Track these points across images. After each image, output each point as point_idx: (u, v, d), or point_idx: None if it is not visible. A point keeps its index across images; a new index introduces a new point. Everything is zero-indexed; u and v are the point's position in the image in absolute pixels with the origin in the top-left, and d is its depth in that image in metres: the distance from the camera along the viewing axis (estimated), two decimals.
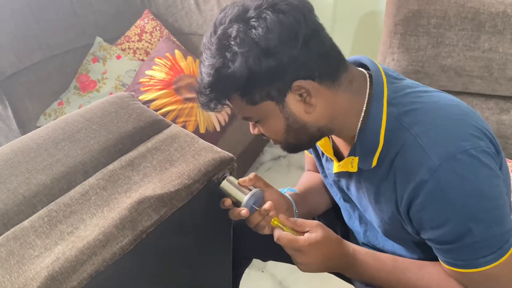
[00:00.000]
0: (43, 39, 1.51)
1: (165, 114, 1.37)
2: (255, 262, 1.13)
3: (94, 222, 0.69)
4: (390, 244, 0.84)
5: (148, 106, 1.38)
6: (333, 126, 0.72)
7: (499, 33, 1.19)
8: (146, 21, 1.65)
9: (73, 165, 0.77)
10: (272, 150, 2.11)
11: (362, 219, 0.87)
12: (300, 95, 0.67)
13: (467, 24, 1.21)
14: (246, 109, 0.70)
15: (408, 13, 1.24)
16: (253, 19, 0.63)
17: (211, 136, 1.45)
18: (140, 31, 1.63)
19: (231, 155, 0.83)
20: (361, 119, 0.71)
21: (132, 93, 0.95)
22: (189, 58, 1.54)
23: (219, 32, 0.64)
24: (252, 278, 1.50)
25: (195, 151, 0.83)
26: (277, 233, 0.74)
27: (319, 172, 1.03)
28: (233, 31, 0.63)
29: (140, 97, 1.39)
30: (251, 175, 0.82)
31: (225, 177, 0.81)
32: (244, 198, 0.76)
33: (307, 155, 1.03)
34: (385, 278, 0.75)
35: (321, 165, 0.93)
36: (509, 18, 1.18)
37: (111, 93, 1.52)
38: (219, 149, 0.84)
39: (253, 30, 0.62)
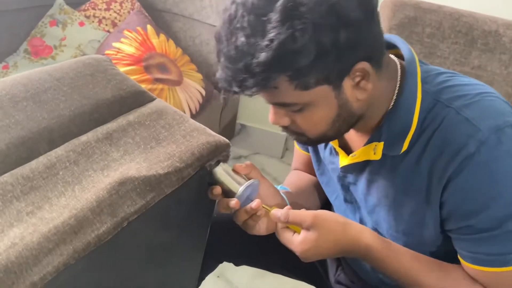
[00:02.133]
0: None
1: None
2: None
3: (62, 202, 0.55)
4: None
5: None
6: (367, 113, 0.65)
7: (490, 51, 1.19)
8: None
9: (36, 130, 0.62)
10: (234, 150, 2.01)
11: (362, 222, 0.79)
12: (355, 79, 0.60)
13: (460, 38, 1.19)
14: (291, 94, 0.59)
15: (404, 19, 1.21)
16: None
17: None
18: None
19: (227, 140, 0.72)
20: (392, 102, 0.65)
21: (110, 58, 0.81)
22: (162, 36, 1.40)
23: (280, 2, 0.53)
24: (206, 283, 1.38)
25: (186, 131, 0.71)
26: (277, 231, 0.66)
27: (307, 171, 0.96)
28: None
29: None
30: (247, 162, 0.72)
31: (219, 163, 0.70)
32: (240, 188, 0.66)
33: (298, 152, 0.95)
34: (406, 270, 0.68)
35: (318, 160, 0.85)
36: (500, 38, 1.18)
37: None
38: (213, 132, 0.73)
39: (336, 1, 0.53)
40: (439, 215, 0.64)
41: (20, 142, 0.60)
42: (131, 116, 0.71)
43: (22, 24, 1.37)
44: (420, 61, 0.68)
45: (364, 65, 0.58)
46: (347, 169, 0.74)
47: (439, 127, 0.61)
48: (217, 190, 0.67)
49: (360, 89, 0.61)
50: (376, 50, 0.60)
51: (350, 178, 0.75)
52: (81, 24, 1.38)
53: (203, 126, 0.73)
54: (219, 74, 0.60)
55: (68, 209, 0.54)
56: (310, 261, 0.66)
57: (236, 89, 0.58)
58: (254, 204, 0.66)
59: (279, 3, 0.52)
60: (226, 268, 1.08)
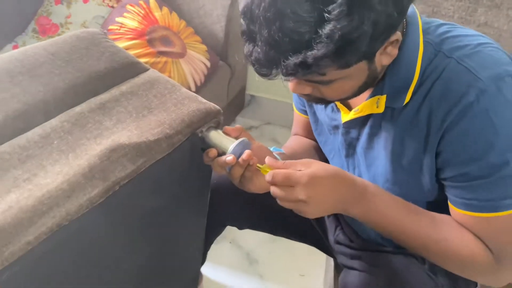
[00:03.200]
0: None
1: None
2: (223, 232, 1.05)
3: (56, 169, 0.58)
4: None
5: None
6: None
7: (496, 7, 1.15)
8: None
9: (33, 102, 0.65)
10: (244, 120, 2.02)
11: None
12: (385, 47, 0.60)
13: None
14: (331, 73, 0.58)
15: None
16: None
17: None
18: None
19: (218, 107, 0.74)
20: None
21: (105, 31, 0.83)
22: (165, 9, 1.41)
23: None
24: (218, 249, 1.43)
25: (177, 99, 0.73)
26: (270, 172, 0.63)
27: (307, 136, 0.97)
28: None
29: None
30: (237, 126, 0.73)
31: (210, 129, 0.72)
32: (231, 145, 0.68)
33: (298, 116, 0.96)
34: (398, 216, 0.68)
35: (316, 121, 0.86)
36: None
37: None
38: (204, 100, 0.74)
39: None
40: (435, 163, 0.66)
41: (17, 114, 0.63)
42: (124, 87, 0.73)
43: (29, 4, 1.40)
44: (419, 14, 0.68)
45: (397, 35, 0.59)
46: (349, 124, 0.75)
47: (439, 77, 0.62)
48: (213, 152, 0.69)
49: (386, 54, 0.61)
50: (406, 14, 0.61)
51: (353, 133, 0.76)
52: (85, 1, 1.40)
53: (194, 95, 0.75)
54: (255, 55, 0.57)
55: (62, 175, 0.57)
56: (313, 201, 0.62)
57: (279, 72, 0.57)
58: (244, 155, 0.66)
59: None
60: (238, 234, 1.12)
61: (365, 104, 0.70)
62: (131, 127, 0.66)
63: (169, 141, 0.65)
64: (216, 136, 0.71)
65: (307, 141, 0.96)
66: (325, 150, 0.88)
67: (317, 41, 0.52)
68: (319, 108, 0.84)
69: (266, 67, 0.57)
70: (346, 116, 0.75)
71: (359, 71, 0.60)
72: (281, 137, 1.95)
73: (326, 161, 0.90)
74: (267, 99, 1.97)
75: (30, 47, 0.75)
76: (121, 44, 1.26)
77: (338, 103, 0.76)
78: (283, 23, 0.52)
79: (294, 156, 0.88)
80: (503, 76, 0.60)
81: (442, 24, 0.67)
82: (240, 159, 0.67)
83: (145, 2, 1.37)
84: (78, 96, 0.69)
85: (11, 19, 1.38)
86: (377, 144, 0.72)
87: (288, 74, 0.56)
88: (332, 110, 0.79)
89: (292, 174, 0.62)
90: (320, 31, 0.51)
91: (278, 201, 0.64)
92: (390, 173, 0.72)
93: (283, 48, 0.54)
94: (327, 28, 0.51)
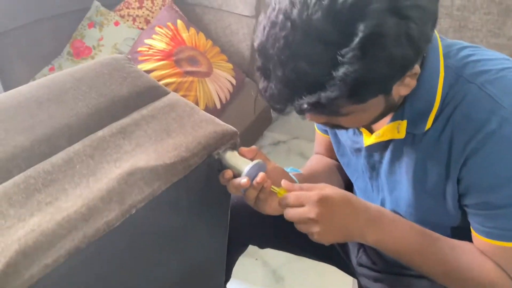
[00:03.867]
0: None
1: None
2: (249, 249, 1.06)
3: (77, 193, 0.61)
4: None
5: None
6: None
7: None
8: None
9: (58, 128, 0.69)
10: (273, 135, 2.03)
11: (383, 204, 0.80)
12: (403, 80, 0.59)
13: (493, 7, 1.12)
14: (346, 108, 0.58)
15: None
16: (408, 9, 0.50)
17: (210, 113, 1.36)
18: None
19: (234, 129, 0.75)
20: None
21: (129, 56, 0.86)
22: (192, 30, 1.45)
23: (362, 31, 0.49)
24: (244, 266, 1.43)
25: (195, 122, 0.74)
26: (282, 197, 0.65)
27: (328, 155, 0.96)
28: (388, 29, 0.50)
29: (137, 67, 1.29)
30: (252, 147, 0.75)
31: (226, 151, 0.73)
32: (246, 167, 0.68)
33: (320, 135, 0.96)
34: (416, 243, 0.67)
35: (337, 142, 0.85)
36: None
37: None
38: (221, 122, 0.76)
39: (411, 25, 0.51)
40: (457, 190, 0.64)
41: (43, 139, 0.67)
42: (145, 111, 0.76)
43: (65, 27, 1.48)
44: (440, 37, 0.67)
45: (415, 69, 0.58)
46: (371, 148, 0.74)
47: (460, 103, 0.61)
48: (228, 173, 0.70)
49: (404, 85, 0.60)
50: (426, 51, 0.60)
51: (376, 156, 0.76)
52: (116, 23, 1.46)
53: (212, 117, 0.77)
54: (269, 92, 0.58)
55: (81, 199, 0.59)
56: (324, 224, 0.63)
57: (293, 110, 0.58)
58: (258, 178, 0.67)
59: (358, 38, 0.49)
60: (264, 251, 1.12)
61: (386, 129, 0.69)
62: (149, 151, 0.68)
63: (185, 163, 0.67)
64: (232, 158, 0.72)
65: (329, 161, 0.95)
66: (348, 172, 0.88)
67: (331, 83, 0.52)
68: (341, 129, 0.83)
69: (280, 104, 0.58)
70: (368, 139, 0.74)
71: (375, 104, 0.60)
72: (309, 152, 1.95)
73: (349, 182, 0.89)
74: (295, 113, 1.97)
75: (58, 74, 0.79)
76: (150, 65, 1.30)
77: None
78: (297, 65, 0.53)
79: (314, 176, 0.88)
80: None
81: (464, 47, 0.65)
82: (254, 182, 0.67)
83: (173, 24, 1.41)
84: (101, 120, 0.72)
85: (49, 42, 1.46)
86: (399, 169, 0.71)
87: (302, 112, 0.57)
88: (354, 132, 0.79)
89: (303, 194, 0.63)
90: (333, 73, 0.52)
91: (295, 225, 0.64)
92: (413, 198, 0.71)
93: (297, 88, 0.55)
94: (341, 71, 0.51)
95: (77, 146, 0.68)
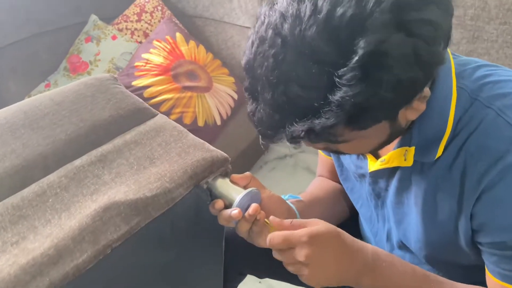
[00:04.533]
0: (32, 13, 1.37)
1: (160, 103, 1.23)
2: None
3: (47, 231, 0.55)
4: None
5: (142, 93, 1.24)
6: None
7: None
8: (147, 0, 1.50)
9: (31, 157, 0.64)
10: (279, 149, 1.97)
11: (390, 235, 0.73)
12: (411, 103, 0.52)
13: (509, 17, 1.05)
14: (345, 135, 0.51)
15: None
16: (415, 24, 0.44)
17: (210, 130, 1.30)
18: (140, 10, 1.48)
19: (225, 155, 0.69)
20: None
21: (115, 76, 0.81)
22: (191, 43, 1.40)
23: (362, 48, 0.42)
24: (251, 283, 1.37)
25: (182, 148, 0.69)
26: (269, 236, 0.58)
27: (331, 178, 0.90)
28: (393, 47, 0.43)
29: (133, 83, 1.25)
30: (246, 173, 0.68)
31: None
32: (238, 196, 0.62)
33: (323, 157, 0.89)
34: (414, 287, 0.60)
35: (340, 165, 0.79)
36: None
37: None
38: (211, 147, 0.70)
39: (420, 43, 0.44)
40: (470, 226, 0.57)
41: (14, 171, 0.62)
42: (128, 136, 0.70)
43: (61, 42, 1.44)
44: (452, 53, 0.60)
45: (425, 92, 0.51)
46: (376, 174, 0.68)
47: (476, 130, 0.54)
48: (219, 203, 0.64)
49: (412, 109, 0.52)
50: (437, 72, 0.54)
51: (382, 183, 0.69)
52: (114, 37, 1.42)
53: (201, 142, 0.71)
54: (258, 116, 0.51)
55: (51, 239, 0.54)
56: (314, 268, 0.57)
57: (283, 137, 0.51)
58: (250, 210, 0.61)
59: (358, 57, 0.42)
60: None
61: (392, 155, 0.62)
62: (129, 182, 0.62)
63: (168, 196, 0.61)
64: (223, 186, 0.66)
65: (332, 185, 0.88)
66: (352, 198, 0.81)
67: (326, 108, 0.45)
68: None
69: (270, 130, 0.51)
70: (373, 164, 0.67)
71: (379, 130, 0.52)
72: (315, 166, 1.86)
73: (353, 208, 0.82)
74: None
75: (38, 97, 0.74)
76: (146, 81, 1.26)
77: None
78: (288, 87, 0.46)
79: (315, 202, 0.82)
80: None
81: (480, 66, 0.58)
82: (246, 214, 0.61)
83: (171, 37, 1.37)
84: (80, 148, 0.67)
85: (45, 58, 1.43)
86: (407, 199, 0.65)
87: (293, 141, 0.50)
88: (358, 157, 0.72)
89: (291, 234, 0.56)
90: (330, 97, 0.45)
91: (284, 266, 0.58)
92: (422, 232, 0.64)
93: (287, 113, 0.48)
94: (338, 95, 0.44)
95: (51, 177, 0.63)
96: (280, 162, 1.91)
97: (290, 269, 0.58)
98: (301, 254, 0.55)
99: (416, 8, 0.43)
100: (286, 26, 0.45)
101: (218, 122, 1.33)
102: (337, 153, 0.61)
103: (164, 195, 0.61)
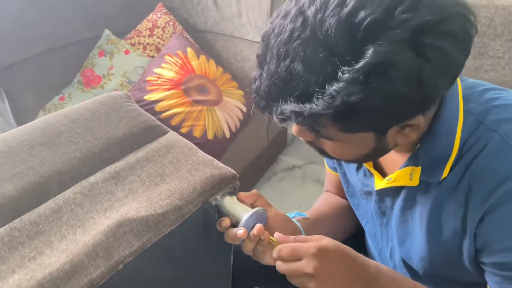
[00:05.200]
0: (47, 29, 1.42)
1: (171, 117, 1.26)
2: None
3: (62, 247, 0.58)
4: None
5: (154, 107, 1.27)
6: None
7: None
8: (159, 15, 1.54)
9: (48, 174, 0.66)
10: (287, 160, 1.98)
11: (393, 253, 0.74)
12: (403, 127, 0.54)
13: None
14: (331, 132, 0.53)
15: None
16: (428, 48, 0.45)
17: (219, 143, 1.33)
18: (152, 25, 1.52)
19: (233, 172, 0.71)
20: (431, 122, 0.59)
21: (129, 93, 0.83)
22: (202, 58, 1.43)
23: (372, 55, 0.44)
24: None
25: (192, 164, 0.71)
26: (277, 247, 0.60)
27: (338, 193, 0.91)
28: (401, 61, 0.44)
29: (145, 97, 1.28)
30: (253, 191, 0.70)
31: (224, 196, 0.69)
32: (244, 216, 0.64)
33: (329, 173, 0.91)
34: None
35: (347, 182, 0.80)
36: None
37: (116, 90, 1.41)
38: (220, 164, 0.72)
39: (426, 67, 0.45)
40: (474, 245, 0.59)
41: (32, 187, 0.64)
42: (140, 153, 0.73)
43: (75, 57, 1.48)
44: (460, 77, 0.62)
45: (418, 120, 0.52)
46: (382, 192, 0.69)
47: (481, 152, 0.55)
48: (226, 221, 0.66)
49: (403, 135, 0.55)
50: (437, 101, 0.55)
51: (388, 202, 0.70)
52: (127, 52, 1.45)
53: (211, 158, 0.73)
54: (257, 84, 0.53)
55: (66, 254, 0.56)
56: (320, 280, 0.58)
57: (274, 112, 0.53)
58: (255, 230, 0.63)
59: (365, 61, 0.44)
60: None
61: (398, 174, 0.64)
62: (141, 198, 0.65)
63: (178, 213, 0.63)
64: (230, 204, 0.68)
65: (338, 201, 0.90)
66: (358, 214, 0.82)
67: (319, 96, 0.47)
68: (350, 169, 0.78)
69: (265, 101, 0.53)
70: (379, 183, 0.69)
71: (364, 140, 0.55)
72: (324, 177, 1.88)
73: (359, 224, 0.84)
74: None
75: (54, 115, 0.77)
76: (158, 95, 1.28)
77: (371, 168, 0.71)
78: (292, 64, 0.48)
79: (321, 219, 0.83)
80: None
81: (487, 90, 0.59)
82: (250, 234, 0.63)
83: (182, 52, 1.40)
84: (94, 165, 0.70)
85: (59, 72, 1.46)
86: (412, 218, 0.66)
87: (281, 118, 0.52)
88: (365, 175, 0.73)
89: (300, 246, 0.58)
90: (326, 88, 0.46)
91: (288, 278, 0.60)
92: (426, 251, 0.65)
93: (284, 89, 0.49)
94: (334, 87, 0.46)
95: (67, 193, 0.65)
96: (289, 173, 1.93)
97: (295, 281, 0.59)
98: (309, 266, 0.57)
99: (436, 36, 0.45)
100: (312, 8, 0.47)
101: (227, 135, 1.35)
102: (323, 153, 0.63)
103: (174, 212, 0.63)
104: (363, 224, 0.81)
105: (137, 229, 0.60)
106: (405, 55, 0.44)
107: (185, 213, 0.64)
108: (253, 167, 1.73)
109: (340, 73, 0.45)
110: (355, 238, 0.88)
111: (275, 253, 0.59)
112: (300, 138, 0.62)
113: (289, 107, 0.49)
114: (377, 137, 0.54)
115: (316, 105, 0.47)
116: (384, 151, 0.59)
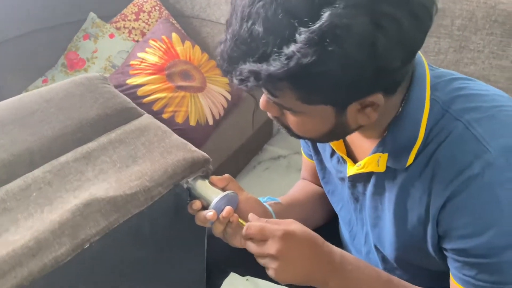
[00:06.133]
0: (32, 10, 1.40)
1: (153, 101, 1.26)
2: None
3: (28, 225, 0.58)
4: (393, 272, 0.72)
5: (136, 91, 1.26)
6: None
7: None
8: (145, 0, 1.53)
9: (18, 152, 0.66)
10: (272, 149, 1.99)
11: (367, 238, 0.75)
12: (363, 106, 0.54)
13: (496, 28, 1.07)
14: (290, 102, 0.54)
15: None
16: (384, 17, 0.46)
17: (202, 130, 1.33)
18: (138, 9, 1.51)
19: (206, 155, 0.71)
20: (399, 108, 0.59)
21: (106, 75, 0.83)
22: (187, 43, 1.42)
23: (328, 17, 0.44)
24: (234, 286, 1.39)
25: (164, 147, 0.71)
26: (246, 225, 0.61)
27: (314, 181, 0.92)
28: (354, 26, 0.45)
29: (128, 81, 1.27)
30: (225, 175, 0.71)
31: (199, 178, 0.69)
32: (214, 199, 0.65)
33: (306, 160, 0.91)
34: None
35: (323, 169, 0.81)
36: None
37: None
38: (193, 148, 0.72)
39: (380, 36, 0.46)
40: (436, 232, 0.60)
41: (1, 165, 0.64)
42: (113, 134, 0.73)
43: (60, 39, 1.47)
44: (429, 65, 0.62)
45: (377, 98, 0.53)
46: (354, 178, 0.70)
47: (444, 141, 0.56)
48: (196, 204, 0.66)
49: (364, 114, 0.56)
50: (399, 84, 0.55)
51: (360, 188, 0.71)
52: (111, 36, 1.44)
53: (185, 142, 0.73)
54: (222, 48, 0.53)
55: (31, 232, 0.56)
56: (284, 263, 0.59)
57: (234, 76, 0.52)
58: (224, 212, 0.64)
59: (321, 23, 0.45)
60: None
61: (367, 160, 0.65)
62: (111, 179, 0.65)
63: (147, 194, 0.63)
64: (202, 187, 0.68)
65: (313, 188, 0.91)
66: (333, 201, 0.83)
67: (276, 57, 0.48)
68: (326, 156, 0.79)
69: (227, 63, 0.53)
70: (351, 168, 0.70)
71: (323, 115, 0.55)
72: None
73: (333, 212, 0.85)
74: None
75: (29, 94, 0.77)
76: (140, 79, 1.28)
77: (343, 155, 0.71)
78: (253, 26, 0.48)
79: (294, 205, 0.84)
80: None
81: (454, 79, 0.60)
82: (220, 216, 0.64)
83: (167, 37, 1.39)
84: (66, 144, 0.69)
85: (43, 54, 1.45)
86: (381, 204, 0.67)
87: (240, 79, 0.52)
88: (338, 161, 0.74)
89: (267, 226, 0.59)
90: (284, 48, 0.47)
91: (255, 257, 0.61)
92: (394, 237, 0.66)
93: (245, 51, 0.50)
94: (291, 48, 0.46)
95: (37, 172, 0.65)
96: (273, 163, 1.94)
97: (260, 261, 0.60)
98: (272, 247, 0.58)
99: (393, 5, 0.46)
100: None
101: (210, 122, 1.35)
102: (287, 129, 0.63)
103: (143, 193, 0.63)
104: (337, 211, 0.82)
105: (105, 209, 0.60)
106: (359, 20, 0.45)
107: (154, 195, 0.64)
108: (238, 155, 1.74)
109: (297, 35, 0.46)
110: (328, 225, 0.89)
111: (244, 230, 0.60)
112: (268, 113, 0.63)
113: (247, 66, 0.50)
114: (337, 113, 0.55)
115: (273, 66, 0.48)
116: (346, 129, 0.59)
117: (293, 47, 0.46)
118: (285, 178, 1.87)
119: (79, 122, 0.72)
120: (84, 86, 0.79)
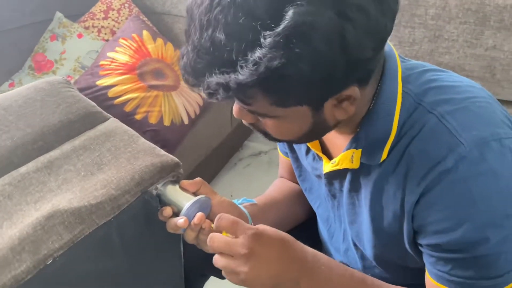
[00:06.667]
0: None
1: (125, 102, 1.22)
2: None
3: None
4: (373, 270, 0.72)
5: (107, 93, 1.22)
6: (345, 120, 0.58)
7: (506, 29, 1.05)
8: None
9: None
10: (253, 145, 1.97)
11: (346, 235, 0.73)
12: (340, 101, 0.52)
13: (470, 17, 1.06)
14: (264, 107, 0.51)
15: (403, 1, 1.09)
16: (350, 8, 0.44)
17: (177, 130, 1.30)
18: (107, 7, 1.46)
19: (176, 159, 0.69)
20: (371, 103, 0.57)
21: (68, 79, 0.79)
22: (159, 41, 1.38)
23: (291, 17, 0.43)
24: (217, 285, 1.37)
25: (131, 153, 0.68)
26: (209, 238, 0.59)
27: (290, 179, 0.90)
28: (320, 22, 0.43)
29: (98, 82, 1.23)
30: (196, 179, 0.68)
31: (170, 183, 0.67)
32: (185, 204, 0.62)
33: (282, 158, 0.89)
34: None
35: (299, 166, 0.79)
36: None
37: (69, 76, 1.36)
38: (162, 152, 0.69)
39: (349, 27, 0.44)
40: (412, 227, 0.59)
41: None
42: (77, 141, 0.69)
43: (26, 41, 1.41)
44: (401, 57, 0.61)
45: (353, 91, 0.51)
46: (330, 175, 0.68)
47: (418, 135, 0.55)
48: (167, 211, 0.64)
49: (341, 109, 0.53)
50: (371, 73, 0.53)
51: (336, 185, 0.69)
52: (80, 36, 1.40)
53: (152, 146, 0.70)
54: (184, 61, 0.50)
55: None
56: (251, 274, 0.57)
57: (202, 90, 0.50)
58: (195, 219, 0.62)
59: (285, 24, 0.43)
60: None
61: (341, 157, 0.63)
62: (75, 189, 0.62)
63: (113, 203, 0.61)
64: (172, 193, 0.66)
65: (291, 186, 0.89)
66: (310, 199, 0.82)
67: (243, 64, 0.45)
68: (302, 153, 0.77)
69: (192, 77, 0.50)
70: (326, 165, 0.68)
71: (300, 115, 0.53)
72: None
73: (311, 210, 0.83)
74: None
75: None
76: (111, 80, 1.24)
77: (319, 152, 0.69)
78: (214, 33, 0.46)
79: (271, 204, 0.82)
80: (489, 140, 0.52)
81: (426, 71, 0.59)
82: (191, 223, 0.61)
83: (138, 35, 1.35)
84: (26, 154, 0.66)
85: (9, 56, 1.39)
86: (358, 200, 0.66)
87: (209, 93, 0.49)
88: (314, 158, 0.72)
89: (240, 222, 0.58)
90: (249, 55, 0.45)
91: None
92: (371, 234, 0.65)
93: (209, 61, 0.47)
94: (257, 54, 0.44)
95: None
96: (255, 159, 1.91)
97: (227, 271, 0.59)
98: (244, 245, 0.56)
99: None
100: None
101: (186, 121, 1.32)
102: (266, 134, 0.61)
103: (109, 202, 0.60)
104: (315, 208, 0.81)
105: (69, 221, 0.57)
106: (325, 16, 0.43)
107: (121, 204, 0.61)
108: (217, 153, 1.71)
109: (262, 39, 0.44)
110: (306, 223, 0.87)
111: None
112: (243, 121, 0.60)
113: (214, 79, 0.47)
114: (314, 112, 0.53)
115: (241, 74, 0.45)
116: (325, 128, 0.58)
117: (259, 52, 0.44)
118: (267, 174, 1.85)
119: (40, 130, 0.69)
120: (45, 91, 0.75)
